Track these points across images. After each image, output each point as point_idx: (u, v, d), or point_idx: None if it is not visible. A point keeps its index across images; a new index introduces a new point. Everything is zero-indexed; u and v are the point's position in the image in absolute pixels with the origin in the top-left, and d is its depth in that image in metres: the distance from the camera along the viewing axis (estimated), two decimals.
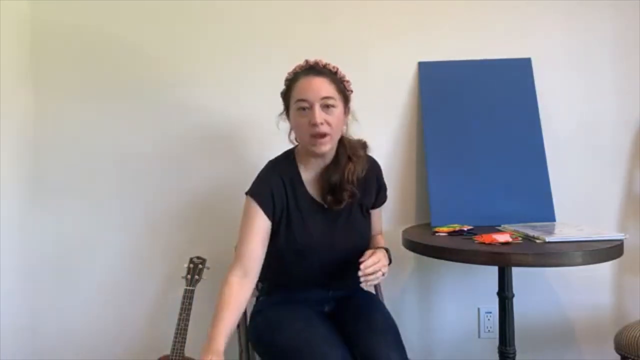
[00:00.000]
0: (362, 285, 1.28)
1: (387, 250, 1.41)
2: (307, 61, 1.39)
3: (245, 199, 1.43)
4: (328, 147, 1.36)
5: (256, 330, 1.43)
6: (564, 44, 1.94)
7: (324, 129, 1.32)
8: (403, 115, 1.95)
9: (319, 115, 1.31)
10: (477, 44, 1.94)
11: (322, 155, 1.40)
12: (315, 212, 1.43)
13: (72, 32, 1.95)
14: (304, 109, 1.33)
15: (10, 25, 1.86)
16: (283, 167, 1.44)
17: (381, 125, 1.94)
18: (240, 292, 1.32)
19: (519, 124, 1.84)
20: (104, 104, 1.95)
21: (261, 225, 1.37)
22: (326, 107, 1.33)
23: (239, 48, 1.94)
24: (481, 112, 1.86)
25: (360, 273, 1.26)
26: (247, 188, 1.51)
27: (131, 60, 1.95)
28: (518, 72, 1.90)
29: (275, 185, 1.40)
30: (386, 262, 1.34)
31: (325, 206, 1.43)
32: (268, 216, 1.38)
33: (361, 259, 1.29)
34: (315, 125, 1.31)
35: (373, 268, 1.27)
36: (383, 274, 1.30)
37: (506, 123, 1.85)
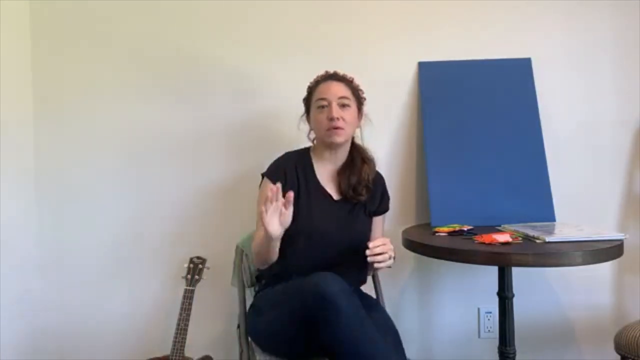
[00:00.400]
0: (369, 259, 1.32)
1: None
2: (327, 71, 1.59)
3: (261, 181, 1.57)
4: (342, 138, 1.52)
5: (255, 309, 1.48)
6: (564, 44, 1.94)
7: (339, 123, 1.49)
8: (403, 115, 1.95)
9: (336, 110, 1.49)
10: (477, 44, 1.94)
11: (335, 148, 1.55)
12: (323, 201, 1.54)
13: (72, 31, 1.95)
14: (323, 106, 1.51)
15: (10, 24, 1.86)
16: (298, 158, 1.59)
17: (381, 125, 1.93)
18: None
19: (519, 124, 1.84)
20: (105, 103, 1.95)
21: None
22: (342, 105, 1.51)
23: (238, 48, 1.94)
24: (481, 112, 1.86)
25: (368, 252, 1.31)
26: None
27: (132, 59, 1.95)
28: (518, 72, 1.90)
29: (289, 168, 1.55)
30: (392, 247, 1.38)
31: (334, 198, 1.55)
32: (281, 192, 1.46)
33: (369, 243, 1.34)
34: (332, 119, 1.48)
35: (381, 248, 1.33)
36: (390, 257, 1.35)
37: (506, 123, 1.85)
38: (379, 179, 1.64)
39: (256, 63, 1.94)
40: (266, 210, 1.29)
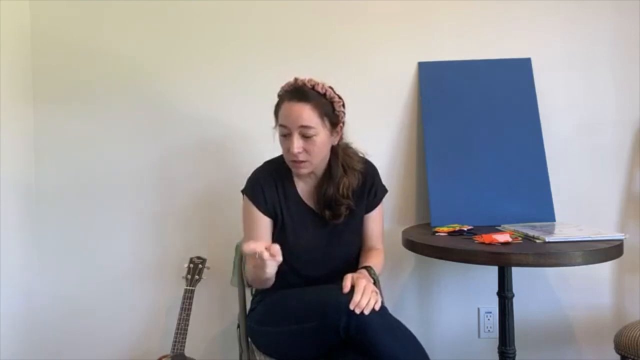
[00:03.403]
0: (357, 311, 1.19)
1: (369, 269, 1.37)
2: (296, 80, 1.39)
3: (243, 198, 1.49)
4: (306, 171, 1.41)
5: (256, 317, 1.45)
6: (564, 44, 1.94)
7: (301, 157, 1.36)
8: (403, 115, 1.95)
9: (297, 144, 1.34)
10: (477, 44, 1.94)
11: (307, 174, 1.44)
12: (306, 217, 1.46)
13: (72, 32, 1.95)
14: (285, 135, 1.37)
15: (11, 26, 1.86)
16: (277, 169, 1.48)
17: (381, 125, 1.94)
18: None
19: (519, 124, 1.84)
20: (105, 104, 1.95)
21: (261, 222, 1.44)
22: (305, 136, 1.34)
23: (238, 49, 1.94)
24: (481, 112, 1.86)
25: (351, 306, 1.17)
26: None
27: (131, 60, 1.95)
28: (518, 72, 1.90)
29: (266, 183, 1.45)
30: (370, 286, 1.24)
31: (317, 212, 1.47)
32: (264, 213, 1.44)
33: (344, 290, 1.21)
34: (292, 153, 1.35)
35: (364, 301, 1.18)
36: (377, 299, 1.21)
37: (506, 123, 1.85)
38: (368, 173, 1.51)
39: (256, 63, 1.94)
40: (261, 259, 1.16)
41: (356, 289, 1.20)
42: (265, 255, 1.14)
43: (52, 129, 1.95)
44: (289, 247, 1.40)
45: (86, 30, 1.95)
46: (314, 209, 1.47)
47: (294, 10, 1.94)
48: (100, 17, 1.95)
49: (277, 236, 1.44)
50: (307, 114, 1.33)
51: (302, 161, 1.37)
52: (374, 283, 1.34)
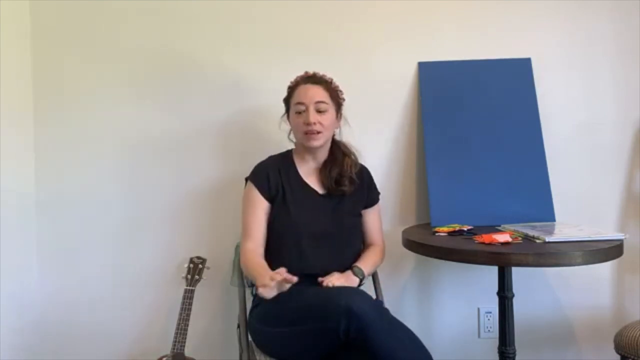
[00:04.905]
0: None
1: (354, 269, 1.52)
2: (306, 72, 1.60)
3: (246, 184, 1.61)
4: (319, 142, 1.54)
5: (258, 316, 1.47)
6: (564, 44, 1.94)
7: (316, 127, 1.52)
8: (403, 116, 1.95)
9: (313, 116, 1.52)
10: (477, 44, 1.94)
11: (314, 151, 1.58)
12: (308, 196, 1.57)
13: (72, 31, 1.95)
14: (300, 111, 1.54)
15: (10, 24, 1.86)
16: (281, 160, 1.63)
17: (381, 125, 1.94)
18: (258, 255, 1.51)
19: (519, 124, 1.84)
20: (104, 104, 1.95)
21: (260, 204, 1.55)
22: (319, 110, 1.53)
23: (238, 49, 1.94)
24: (481, 112, 1.86)
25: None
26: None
27: (130, 60, 1.95)
28: (518, 72, 1.90)
29: (271, 170, 1.58)
30: (338, 278, 1.46)
31: (319, 192, 1.58)
32: (265, 197, 1.55)
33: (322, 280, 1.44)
34: (309, 124, 1.51)
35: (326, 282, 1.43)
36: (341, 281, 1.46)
37: (506, 123, 1.85)
38: (364, 171, 1.67)
39: (256, 63, 1.94)
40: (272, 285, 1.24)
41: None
42: (285, 278, 1.24)
43: (52, 130, 1.95)
44: (291, 219, 1.51)
45: (86, 30, 1.95)
46: (316, 189, 1.59)
47: (294, 10, 1.94)
48: (101, 17, 1.95)
49: (279, 210, 1.54)
50: (321, 92, 1.55)
51: (317, 132, 1.52)
52: (360, 281, 1.51)
